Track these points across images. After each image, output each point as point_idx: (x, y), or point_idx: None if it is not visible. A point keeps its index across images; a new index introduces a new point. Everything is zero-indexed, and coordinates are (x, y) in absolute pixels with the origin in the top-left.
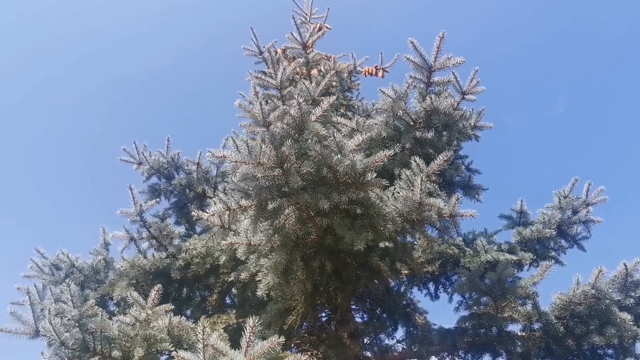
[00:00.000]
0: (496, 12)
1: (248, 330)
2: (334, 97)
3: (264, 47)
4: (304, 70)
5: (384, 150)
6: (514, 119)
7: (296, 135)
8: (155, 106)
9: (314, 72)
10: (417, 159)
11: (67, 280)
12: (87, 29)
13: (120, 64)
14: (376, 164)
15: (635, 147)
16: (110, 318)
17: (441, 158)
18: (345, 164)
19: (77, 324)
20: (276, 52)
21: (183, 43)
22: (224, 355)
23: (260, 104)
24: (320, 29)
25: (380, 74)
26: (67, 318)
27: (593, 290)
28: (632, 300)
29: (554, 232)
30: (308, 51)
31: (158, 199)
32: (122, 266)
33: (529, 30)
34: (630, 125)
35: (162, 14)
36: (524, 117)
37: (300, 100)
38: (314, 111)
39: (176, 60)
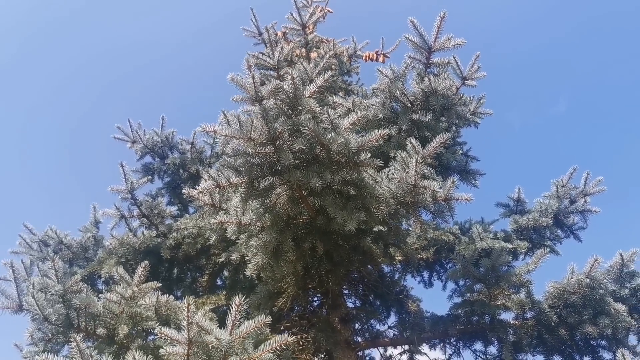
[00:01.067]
0: (500, 10)
1: (234, 309)
2: (330, 73)
3: (263, 28)
4: (303, 52)
5: (379, 130)
6: (515, 112)
7: (289, 111)
8: (151, 85)
9: (313, 55)
10: (413, 140)
11: (53, 256)
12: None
13: (119, 39)
14: (371, 143)
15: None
16: (97, 296)
17: (437, 140)
18: (339, 142)
19: (61, 299)
20: (276, 34)
21: (183, 22)
22: (208, 333)
23: (253, 77)
24: (320, 10)
25: (381, 59)
26: (50, 293)
27: (588, 280)
28: (627, 291)
29: (551, 221)
30: (307, 32)
31: (150, 177)
32: (111, 244)
33: (532, 30)
34: (631, 118)
35: None
36: (525, 109)
37: (295, 75)
38: (308, 87)
39: (175, 40)
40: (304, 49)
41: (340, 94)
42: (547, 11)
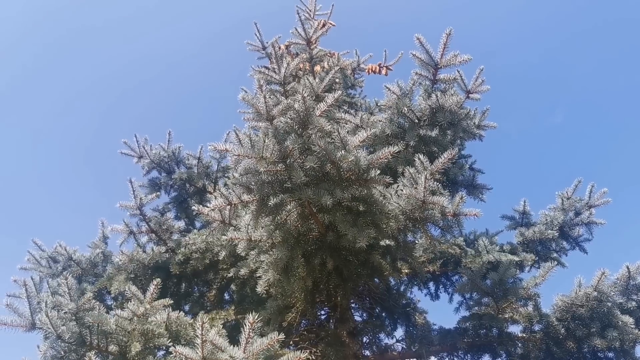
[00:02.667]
0: (498, 21)
1: (248, 327)
2: (339, 92)
3: (267, 42)
4: (307, 67)
5: (388, 147)
6: (517, 122)
7: (300, 130)
8: (157, 100)
9: (317, 68)
10: (421, 156)
11: (64, 273)
12: (87, 22)
13: (124, 56)
14: (380, 160)
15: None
16: (107, 312)
17: (445, 156)
18: (350, 159)
19: (74, 318)
20: (279, 47)
21: (187, 38)
22: (222, 351)
23: (265, 97)
24: (324, 25)
25: (384, 71)
26: (64, 311)
27: (595, 293)
28: (634, 303)
29: (556, 234)
30: (312, 47)
31: (158, 193)
32: (120, 260)
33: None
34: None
35: (168, 6)
36: (527, 120)
37: (305, 94)
38: (318, 106)
39: (179, 55)
40: (308, 63)
41: (345, 107)
42: (545, 21)
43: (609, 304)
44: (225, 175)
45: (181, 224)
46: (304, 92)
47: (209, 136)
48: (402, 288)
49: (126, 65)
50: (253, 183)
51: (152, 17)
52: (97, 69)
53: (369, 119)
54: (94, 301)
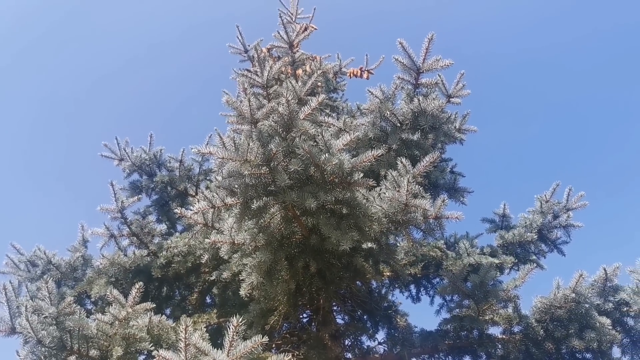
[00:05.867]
0: (479, 26)
1: (231, 330)
2: (323, 96)
3: (249, 45)
4: (289, 70)
5: (371, 150)
6: (498, 125)
7: (284, 133)
8: (138, 102)
9: (299, 72)
10: (403, 160)
11: (44, 277)
12: (72, 24)
13: (102, 56)
14: (363, 163)
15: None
16: (87, 317)
17: (427, 160)
18: (333, 163)
19: (54, 322)
20: (262, 50)
21: (167, 38)
22: (206, 355)
23: (249, 100)
24: (306, 29)
25: (365, 75)
26: (44, 316)
27: (573, 294)
28: (611, 304)
29: (535, 237)
30: (294, 50)
31: (140, 196)
32: (101, 263)
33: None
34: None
35: (148, 6)
36: (500, 125)
37: (289, 98)
38: (302, 109)
39: (159, 56)
40: (290, 67)
41: (327, 110)
42: (527, 28)
43: (587, 306)
44: (207, 178)
45: (163, 227)
46: (287, 95)
47: (190, 138)
48: (383, 291)
49: (106, 65)
50: (237, 186)
51: (135, 15)
52: (77, 68)
53: (351, 123)
54: (74, 305)
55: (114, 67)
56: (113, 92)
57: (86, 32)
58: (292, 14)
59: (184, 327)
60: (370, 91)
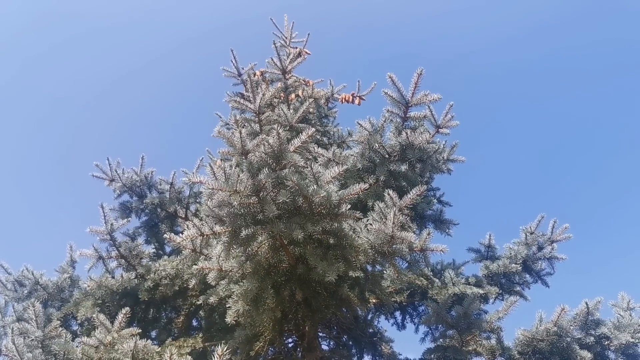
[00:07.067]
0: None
1: (216, 358)
2: (313, 129)
3: (243, 69)
4: (282, 95)
5: (359, 183)
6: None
7: (274, 164)
8: (130, 122)
9: (292, 97)
10: (390, 192)
11: (31, 300)
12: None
13: (94, 74)
14: (351, 196)
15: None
16: (73, 339)
17: (414, 192)
18: (321, 195)
19: (40, 345)
20: (255, 74)
21: (161, 60)
22: None
23: (240, 132)
24: (300, 54)
25: (357, 101)
26: (30, 338)
27: (555, 328)
28: (592, 338)
29: (520, 268)
30: (287, 77)
31: (129, 218)
32: (88, 285)
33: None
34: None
35: (147, 23)
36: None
37: (280, 130)
38: (293, 142)
39: (152, 77)
40: (283, 93)
41: (318, 135)
42: (508, 47)
43: (568, 339)
44: (197, 200)
45: (151, 248)
46: (278, 127)
47: (182, 158)
48: (369, 317)
49: (98, 83)
50: (226, 215)
51: (132, 33)
52: (68, 84)
53: (340, 154)
54: (60, 329)
55: (106, 84)
56: (104, 109)
57: (85, 35)
58: (286, 38)
59: (169, 355)
60: (359, 123)
